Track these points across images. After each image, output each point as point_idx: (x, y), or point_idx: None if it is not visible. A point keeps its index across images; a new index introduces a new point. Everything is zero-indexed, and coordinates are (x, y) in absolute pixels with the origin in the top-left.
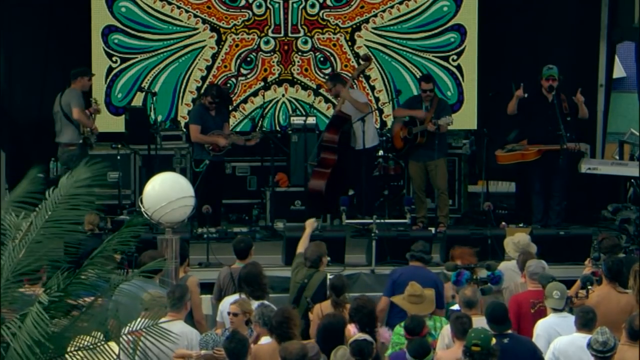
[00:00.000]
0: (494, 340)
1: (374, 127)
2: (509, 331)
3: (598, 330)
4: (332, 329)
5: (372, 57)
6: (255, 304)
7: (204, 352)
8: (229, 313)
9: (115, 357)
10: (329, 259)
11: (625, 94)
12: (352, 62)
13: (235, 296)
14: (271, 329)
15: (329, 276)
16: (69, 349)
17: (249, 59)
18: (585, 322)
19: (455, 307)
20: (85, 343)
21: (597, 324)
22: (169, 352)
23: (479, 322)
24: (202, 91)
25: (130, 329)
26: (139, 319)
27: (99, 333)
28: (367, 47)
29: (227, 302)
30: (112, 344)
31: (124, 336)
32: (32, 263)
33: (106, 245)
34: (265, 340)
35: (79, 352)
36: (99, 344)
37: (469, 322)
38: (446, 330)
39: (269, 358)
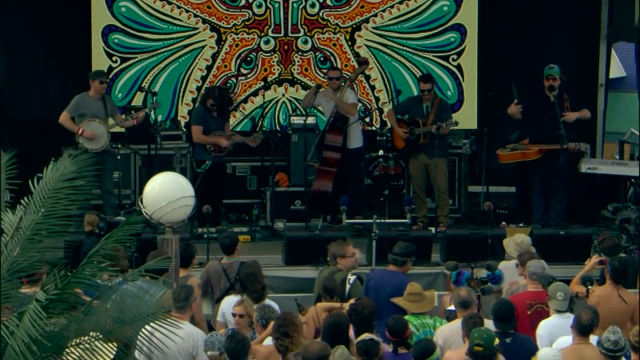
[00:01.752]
0: (497, 341)
1: (358, 128)
2: (512, 331)
3: (610, 329)
4: (337, 327)
5: (369, 61)
6: (255, 305)
7: (210, 353)
8: (234, 315)
9: (112, 356)
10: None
11: (625, 94)
12: (352, 61)
13: (235, 297)
14: (274, 333)
15: (349, 277)
16: (67, 347)
17: (249, 58)
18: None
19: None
20: (83, 342)
21: (599, 324)
22: (177, 349)
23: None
24: (203, 93)
25: (140, 327)
26: (146, 317)
27: (97, 333)
28: (367, 46)
29: (229, 302)
30: (110, 343)
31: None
32: (27, 260)
33: (104, 244)
34: (266, 342)
35: (77, 351)
36: (96, 343)
37: (480, 322)
38: (440, 331)
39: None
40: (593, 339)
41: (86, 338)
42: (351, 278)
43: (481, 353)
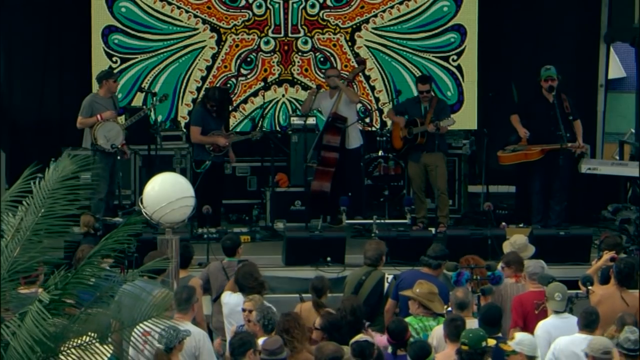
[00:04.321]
0: (489, 342)
1: (357, 128)
2: (499, 334)
3: (627, 329)
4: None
5: (366, 61)
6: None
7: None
8: (244, 310)
9: (109, 356)
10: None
11: (626, 94)
12: (352, 62)
13: (235, 294)
14: (277, 332)
15: (387, 276)
16: (65, 348)
17: (249, 59)
18: (588, 322)
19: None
20: (84, 343)
21: (599, 323)
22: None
23: (471, 324)
24: (204, 94)
25: (141, 328)
26: (147, 318)
27: (95, 333)
28: (367, 47)
29: (233, 302)
30: (106, 346)
31: (134, 335)
32: (28, 261)
33: (104, 244)
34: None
35: (76, 351)
36: (95, 344)
37: (462, 325)
38: (435, 331)
39: None
40: (587, 338)
41: (85, 338)
42: (389, 277)
43: (466, 352)
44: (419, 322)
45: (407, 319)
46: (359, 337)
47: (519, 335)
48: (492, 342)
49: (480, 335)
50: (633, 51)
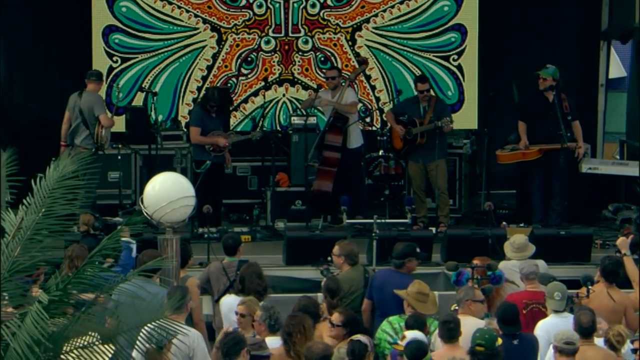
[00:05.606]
0: (499, 341)
1: (358, 128)
2: (517, 332)
3: None
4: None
5: (368, 61)
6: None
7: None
8: (236, 313)
9: (109, 356)
10: None
11: (626, 94)
12: (353, 61)
13: (234, 297)
14: (282, 334)
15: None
16: (66, 349)
17: (249, 58)
18: None
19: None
20: (84, 343)
21: None
22: (174, 350)
23: (468, 322)
24: (203, 94)
25: (136, 328)
26: (140, 319)
27: (96, 333)
28: (368, 46)
29: (226, 302)
30: (107, 345)
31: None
32: (29, 261)
33: (104, 244)
34: (274, 342)
35: (77, 352)
36: (95, 344)
37: (456, 327)
38: (437, 332)
39: None
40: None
41: (87, 338)
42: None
43: (482, 353)
44: (400, 322)
45: (390, 318)
46: (356, 336)
47: (410, 334)
48: (499, 341)
49: (494, 335)
50: (630, 51)
